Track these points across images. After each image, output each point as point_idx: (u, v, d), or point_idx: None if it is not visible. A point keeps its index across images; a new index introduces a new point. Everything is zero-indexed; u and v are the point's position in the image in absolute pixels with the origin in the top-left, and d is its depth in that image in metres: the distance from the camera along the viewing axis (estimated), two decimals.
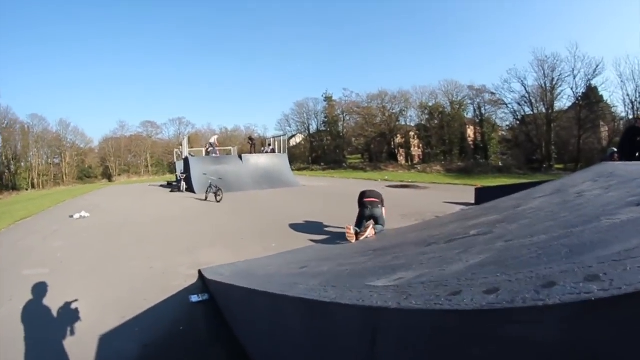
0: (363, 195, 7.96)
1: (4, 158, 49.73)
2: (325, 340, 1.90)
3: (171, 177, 28.74)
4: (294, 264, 4.59)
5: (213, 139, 27.78)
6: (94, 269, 6.53)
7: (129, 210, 14.66)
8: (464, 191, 17.66)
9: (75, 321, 4.43)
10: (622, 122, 37.67)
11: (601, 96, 38.68)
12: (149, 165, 62.42)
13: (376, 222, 7.56)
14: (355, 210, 7.96)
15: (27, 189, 48.80)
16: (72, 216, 12.30)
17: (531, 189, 4.99)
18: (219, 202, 15.40)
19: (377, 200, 7.83)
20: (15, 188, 47.80)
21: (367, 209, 7.65)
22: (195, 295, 5.06)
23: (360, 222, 7.62)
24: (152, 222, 11.33)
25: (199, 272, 5.97)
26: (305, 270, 3.42)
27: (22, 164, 52.58)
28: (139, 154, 62.91)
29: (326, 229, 9.18)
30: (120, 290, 5.50)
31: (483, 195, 12.39)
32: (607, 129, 39.11)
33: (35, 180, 52.42)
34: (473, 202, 13.04)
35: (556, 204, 3.12)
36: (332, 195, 17.31)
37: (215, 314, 4.61)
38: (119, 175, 59.25)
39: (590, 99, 38.42)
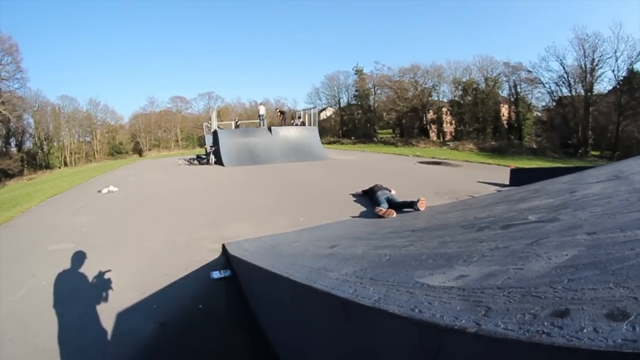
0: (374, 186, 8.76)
1: (36, 139, 51.10)
2: (360, 354, 1.50)
3: (201, 151, 28.73)
4: (324, 241, 4.22)
5: (262, 110, 27.86)
6: (117, 243, 6.36)
7: (156, 183, 14.58)
8: (498, 171, 16.92)
9: (94, 297, 4.23)
10: None
11: None
12: (179, 139, 63.08)
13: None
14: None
15: (59, 167, 50.40)
16: (100, 191, 12.25)
17: (579, 173, 4.49)
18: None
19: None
20: (48, 167, 49.45)
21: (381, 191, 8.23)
22: (217, 272, 4.78)
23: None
24: (179, 194, 11.18)
25: (223, 246, 5.69)
26: (336, 251, 3.01)
27: (55, 143, 54.09)
28: (168, 129, 63.65)
29: (355, 204, 8.75)
30: (142, 265, 5.30)
31: (518, 177, 11.90)
32: None
33: (68, 159, 53.92)
34: (507, 183, 12.42)
35: (628, 191, 2.61)
36: (362, 169, 16.74)
37: (237, 292, 4.32)
38: (149, 150, 60.20)
39: (632, 83, 35.22)
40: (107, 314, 3.92)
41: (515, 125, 44.65)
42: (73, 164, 53.09)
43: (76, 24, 79.57)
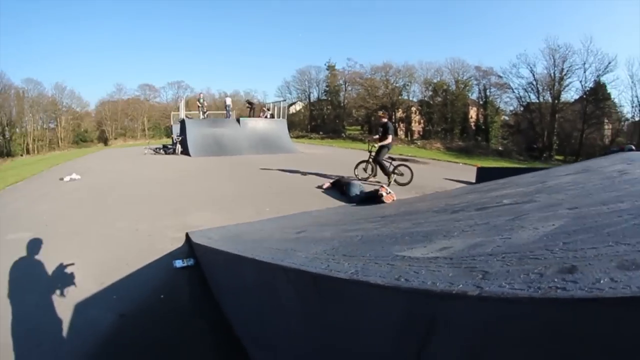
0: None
1: None
2: (337, 336, 1.36)
3: (167, 141, 28.13)
4: (290, 228, 4.14)
5: (229, 101, 27.69)
6: (78, 231, 6.04)
7: (120, 171, 14.09)
8: (465, 170, 17.36)
9: (51, 287, 4.00)
10: (626, 123, 37.54)
11: (609, 94, 37.79)
12: (146, 129, 61.21)
13: None
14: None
15: (22, 155, 47.63)
16: (62, 179, 11.75)
17: (545, 170, 4.59)
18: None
19: None
20: (9, 154, 46.51)
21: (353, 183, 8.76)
22: (180, 260, 4.62)
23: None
24: (143, 183, 10.82)
25: (186, 235, 5.51)
26: (304, 235, 2.94)
27: (17, 129, 51.21)
28: (135, 118, 61.43)
29: (323, 195, 8.74)
30: (102, 254, 5.05)
31: (484, 175, 11.86)
32: (610, 127, 38.53)
33: (30, 146, 51.16)
34: (474, 181, 12.62)
35: (600, 179, 2.67)
36: (331, 163, 16.62)
37: (200, 281, 4.19)
38: (115, 139, 57.88)
39: (597, 94, 37.39)
40: (65, 305, 3.72)
41: (483, 127, 45.97)
42: (36, 151, 50.38)
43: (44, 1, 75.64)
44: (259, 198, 8.37)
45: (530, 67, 42.13)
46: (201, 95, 27.81)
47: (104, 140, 58.00)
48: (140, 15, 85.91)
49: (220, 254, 3.38)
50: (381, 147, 10.22)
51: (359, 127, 56.34)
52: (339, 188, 8.99)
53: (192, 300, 3.85)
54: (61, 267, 4.37)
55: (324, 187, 9.53)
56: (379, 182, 9.73)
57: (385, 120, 10.65)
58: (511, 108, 46.92)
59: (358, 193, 8.14)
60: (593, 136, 38.01)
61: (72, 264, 4.43)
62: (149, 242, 5.41)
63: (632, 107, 36.57)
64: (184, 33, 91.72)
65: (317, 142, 43.83)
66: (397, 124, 50.14)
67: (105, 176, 12.88)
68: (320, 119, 58.38)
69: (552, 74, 40.15)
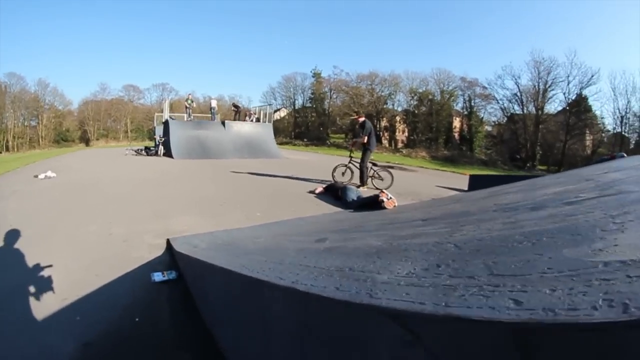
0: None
1: None
2: None
3: (150, 144, 27.15)
4: (298, 236, 3.46)
5: (214, 103, 26.99)
6: (45, 234, 5.17)
7: (99, 171, 13.14)
8: (453, 177, 17.17)
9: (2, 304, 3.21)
10: (608, 134, 38.82)
11: (590, 106, 38.88)
12: (129, 130, 59.73)
13: None
14: None
15: (0, 152, 45.79)
16: (37, 176, 10.86)
17: (541, 177, 4.67)
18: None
19: None
20: None
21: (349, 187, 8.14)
22: (159, 273, 3.80)
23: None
24: (121, 183, 9.95)
25: (167, 241, 4.73)
26: (333, 245, 2.23)
27: None
28: (118, 119, 59.97)
29: (316, 200, 8.06)
30: (68, 261, 4.20)
31: (476, 183, 11.71)
32: (591, 138, 39.57)
33: (10, 143, 49.19)
34: (465, 188, 12.24)
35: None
36: (318, 169, 15.94)
37: (184, 299, 3.43)
38: (97, 139, 56.33)
39: (580, 106, 38.31)
40: (14, 328, 2.93)
41: (468, 137, 46.43)
42: (16, 149, 48.38)
43: None
44: (247, 202, 7.64)
45: (515, 79, 43.45)
46: (189, 96, 26.89)
47: (85, 140, 56.48)
48: (127, 15, 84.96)
49: (210, 269, 2.64)
50: (365, 150, 9.78)
51: (343, 135, 56.03)
52: (333, 193, 8.38)
53: (174, 324, 3.06)
54: (15, 278, 3.58)
55: (317, 191, 8.87)
56: (378, 188, 9.15)
57: (362, 119, 10.13)
58: (495, 119, 47.90)
59: (355, 198, 7.55)
60: (575, 147, 38.94)
61: (31, 273, 3.67)
62: (123, 249, 4.61)
63: (614, 118, 37.83)
64: (170, 35, 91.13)
65: (301, 148, 43.32)
66: (381, 133, 50.18)
67: (82, 175, 12.01)
68: (305, 126, 58.05)
69: (537, 86, 41.17)
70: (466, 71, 70.86)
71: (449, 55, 75.03)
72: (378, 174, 10.09)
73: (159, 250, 4.54)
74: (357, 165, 10.11)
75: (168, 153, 19.42)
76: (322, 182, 10.55)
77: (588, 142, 39.73)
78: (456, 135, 48.57)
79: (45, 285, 3.57)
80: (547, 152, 40.31)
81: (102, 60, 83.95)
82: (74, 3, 76.99)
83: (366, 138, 9.68)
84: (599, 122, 39.37)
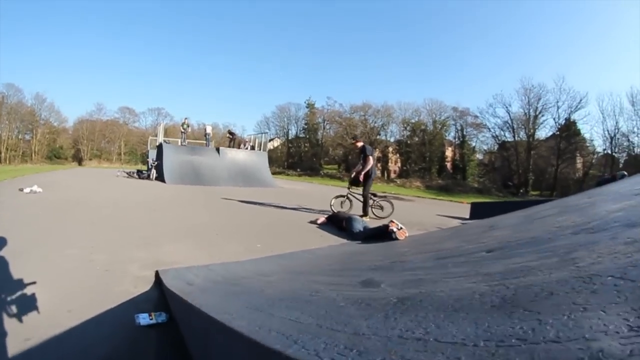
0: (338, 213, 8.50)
1: None
2: None
3: (143, 168, 26.41)
4: (329, 274, 2.85)
5: (209, 129, 26.80)
6: (16, 254, 4.39)
7: (87, 190, 12.50)
8: (452, 206, 17.04)
9: None
10: (597, 155, 39.64)
11: (579, 130, 39.95)
12: (122, 153, 59.16)
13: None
14: None
15: None
16: (22, 189, 10.34)
17: (547, 203, 4.23)
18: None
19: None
20: None
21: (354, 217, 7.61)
22: (146, 315, 3.04)
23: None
24: (109, 205, 9.24)
25: (156, 274, 4.05)
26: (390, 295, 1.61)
27: None
28: (112, 140, 59.72)
29: (319, 231, 7.45)
30: (38, 291, 3.43)
31: (478, 211, 11.74)
32: (582, 161, 40.37)
33: (3, 155, 48.49)
34: (467, 217, 12.15)
35: None
36: (314, 198, 15.44)
37: (176, 348, 2.74)
38: (90, 159, 55.86)
39: (569, 130, 39.44)
40: None
41: (461, 165, 46.80)
42: (7, 161, 47.54)
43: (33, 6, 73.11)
44: (245, 232, 6.98)
45: (506, 107, 44.67)
46: (186, 120, 26.33)
47: (78, 159, 55.97)
48: (128, 37, 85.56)
49: (206, 317, 1.98)
50: (367, 178, 9.26)
51: (336, 166, 55.86)
52: (337, 223, 7.82)
53: None
54: None
55: (319, 222, 8.27)
56: (379, 217, 8.67)
57: (361, 144, 9.69)
58: (487, 146, 48.71)
59: (362, 229, 7.01)
60: (567, 170, 39.88)
61: None
62: (105, 280, 3.91)
63: (604, 140, 38.76)
64: (169, 61, 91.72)
65: (294, 178, 42.93)
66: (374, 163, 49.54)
67: (68, 192, 11.36)
68: (298, 156, 57.95)
69: (527, 113, 42.37)
70: (458, 101, 72.95)
71: (441, 86, 77.44)
72: (379, 204, 9.64)
73: (146, 284, 3.85)
74: (356, 195, 9.73)
75: (160, 177, 18.79)
76: (321, 212, 10.03)
77: (579, 165, 40.33)
78: (449, 164, 48.72)
79: (5, 322, 2.88)
80: (540, 177, 41.13)
81: (100, 79, 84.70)
82: (76, 20, 77.27)
83: (371, 159, 9.17)
84: (588, 144, 40.27)
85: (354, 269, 2.95)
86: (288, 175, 48.28)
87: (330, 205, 10.22)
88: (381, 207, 9.60)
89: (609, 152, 38.20)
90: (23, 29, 71.21)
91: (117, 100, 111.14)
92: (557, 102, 39.97)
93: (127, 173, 21.84)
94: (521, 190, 38.56)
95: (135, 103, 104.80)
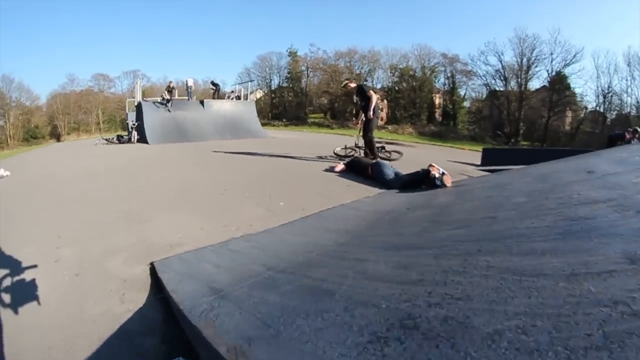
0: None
1: None
2: None
3: (124, 133, 24.20)
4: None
5: (191, 82, 23.76)
6: None
7: (60, 164, 10.72)
8: (454, 152, 16.48)
9: None
10: (586, 111, 39.48)
11: (568, 84, 38.86)
12: (101, 122, 55.87)
13: None
14: None
15: None
16: None
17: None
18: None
19: None
20: None
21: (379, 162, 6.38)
22: None
23: None
24: (85, 177, 7.57)
25: (152, 270, 2.59)
26: None
27: None
28: (89, 111, 55.89)
29: (343, 180, 6.02)
30: None
31: (490, 156, 11.66)
32: (572, 115, 40.03)
33: None
34: (477, 163, 11.31)
35: None
36: (314, 145, 13.74)
37: None
38: (68, 134, 52.38)
39: (562, 83, 38.29)
40: None
41: (451, 113, 45.69)
42: None
43: None
44: (256, 188, 5.43)
45: (499, 55, 42.64)
46: (171, 83, 23.59)
47: (56, 136, 52.52)
48: (93, 1, 79.37)
49: None
50: (368, 121, 7.69)
51: (322, 115, 53.81)
52: (359, 170, 6.43)
53: None
54: None
55: (337, 169, 6.86)
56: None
57: (354, 84, 8.28)
58: (476, 94, 47.51)
59: (393, 175, 5.65)
60: (557, 123, 39.38)
61: None
62: (75, 295, 2.42)
63: (597, 96, 38.03)
64: (139, 21, 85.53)
65: (282, 128, 41.10)
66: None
67: (40, 170, 9.62)
68: (282, 106, 55.63)
69: (520, 63, 40.76)
70: (448, 47, 69.55)
71: (430, 32, 73.34)
72: (387, 152, 8.68)
73: (138, 292, 2.37)
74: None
75: (143, 139, 16.96)
76: (330, 159, 8.64)
77: (569, 119, 39.84)
78: (438, 111, 47.49)
79: None
80: (530, 128, 40.34)
81: (67, 48, 78.42)
82: None
83: (374, 95, 7.64)
84: (580, 99, 39.76)
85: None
86: (274, 125, 46.09)
87: (335, 153, 9.02)
88: (389, 154, 8.60)
89: (600, 109, 37.91)
90: None
91: (89, 68, 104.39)
92: (552, 54, 38.42)
93: (106, 140, 19.78)
94: (512, 140, 38.04)
95: (108, 69, 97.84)
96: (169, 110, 18.45)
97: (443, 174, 4.91)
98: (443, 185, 4.77)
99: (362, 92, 7.80)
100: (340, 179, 6.12)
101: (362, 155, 8.10)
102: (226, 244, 2.86)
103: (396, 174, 5.73)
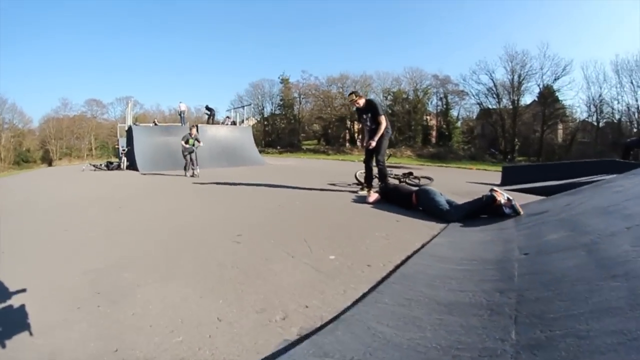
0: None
1: None
2: None
3: (115, 159, 22.64)
4: None
5: (183, 107, 22.82)
6: None
7: (40, 192, 9.31)
8: (464, 173, 16.40)
9: None
10: (579, 122, 39.13)
11: (557, 97, 39.04)
12: (93, 148, 54.19)
13: None
14: None
15: None
16: None
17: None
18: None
19: None
20: None
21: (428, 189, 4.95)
22: None
23: None
24: (59, 207, 6.12)
25: None
26: None
27: None
28: (82, 136, 54.44)
29: (385, 213, 4.55)
30: None
31: (510, 175, 10.80)
32: (563, 127, 39.97)
33: None
34: (496, 182, 10.00)
35: None
36: (321, 173, 12.30)
37: None
38: (60, 159, 50.66)
39: (553, 97, 38.54)
40: None
41: (446, 133, 45.15)
42: None
43: None
44: (281, 231, 3.92)
45: (490, 74, 42.48)
46: (180, 104, 22.25)
47: (48, 160, 50.69)
48: (88, 28, 78.93)
49: None
50: (381, 139, 6.11)
51: (315, 141, 52.66)
52: (398, 200, 5.17)
53: None
54: None
55: (370, 200, 5.54)
56: None
57: (364, 100, 6.39)
58: (469, 114, 47.36)
59: (446, 205, 4.39)
60: (550, 136, 39.13)
61: None
62: None
63: (588, 106, 37.92)
64: (135, 49, 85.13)
65: (277, 155, 39.57)
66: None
67: (14, 197, 8.42)
68: (275, 133, 54.41)
69: (511, 80, 40.67)
70: (440, 68, 70.41)
71: (420, 55, 74.32)
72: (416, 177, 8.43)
73: None
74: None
75: (133, 165, 15.59)
76: (342, 186, 7.79)
77: (560, 131, 39.77)
78: (433, 133, 46.88)
79: None
80: (524, 143, 40.04)
81: (62, 73, 77.48)
82: (32, 15, 70.11)
83: (384, 117, 6.05)
84: (570, 110, 39.83)
85: None
86: (269, 153, 44.53)
87: (356, 177, 8.13)
88: (418, 180, 8.25)
89: (592, 119, 37.92)
90: None
91: (82, 93, 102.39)
92: (542, 68, 38.64)
93: (94, 166, 18.21)
94: (509, 157, 37.39)
95: (102, 94, 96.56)
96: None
97: (508, 199, 3.98)
98: (516, 213, 3.88)
99: (372, 111, 6.19)
100: (383, 213, 4.70)
101: (378, 181, 6.55)
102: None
103: (449, 202, 4.42)
